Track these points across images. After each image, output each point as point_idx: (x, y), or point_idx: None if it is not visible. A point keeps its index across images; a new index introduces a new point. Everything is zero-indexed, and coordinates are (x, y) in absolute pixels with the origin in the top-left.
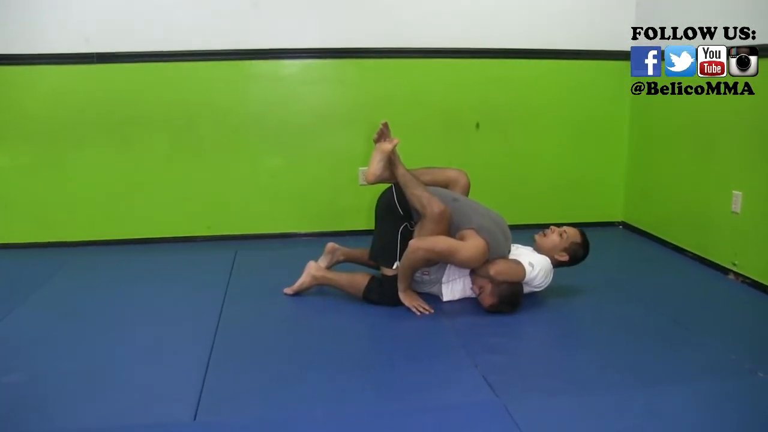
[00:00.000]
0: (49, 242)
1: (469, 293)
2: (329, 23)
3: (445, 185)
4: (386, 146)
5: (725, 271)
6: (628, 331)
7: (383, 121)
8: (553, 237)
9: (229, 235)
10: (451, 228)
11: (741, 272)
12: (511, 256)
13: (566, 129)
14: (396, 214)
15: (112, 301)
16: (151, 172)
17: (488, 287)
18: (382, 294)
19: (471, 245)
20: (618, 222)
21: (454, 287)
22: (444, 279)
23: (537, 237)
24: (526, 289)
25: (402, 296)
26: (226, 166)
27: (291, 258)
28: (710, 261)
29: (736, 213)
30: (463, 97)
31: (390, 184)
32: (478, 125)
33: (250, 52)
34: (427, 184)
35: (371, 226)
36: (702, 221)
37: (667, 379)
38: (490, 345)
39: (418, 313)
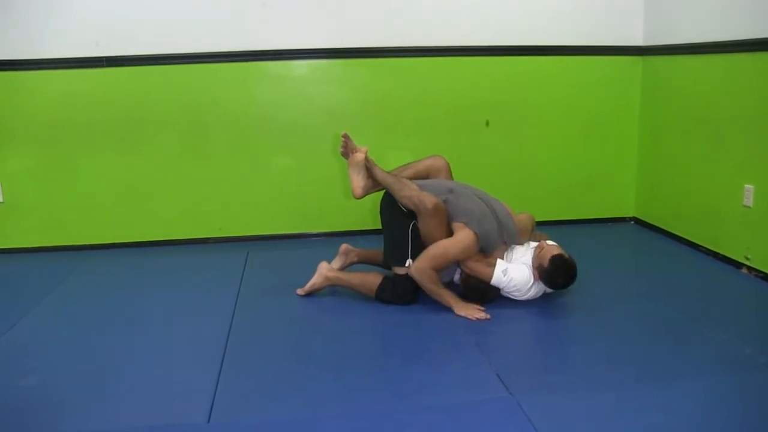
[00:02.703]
0: (60, 246)
1: None
2: (337, 23)
3: (427, 175)
4: (358, 157)
5: (738, 265)
6: (641, 326)
7: (343, 133)
8: (537, 252)
9: (240, 236)
10: (447, 220)
11: (754, 266)
12: (509, 256)
13: (576, 125)
14: (402, 213)
15: (125, 304)
16: (162, 175)
17: (462, 275)
18: (394, 293)
19: (458, 240)
20: (630, 217)
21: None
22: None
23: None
24: (510, 295)
25: (457, 310)
26: (237, 168)
27: (302, 258)
28: (723, 255)
29: (748, 207)
30: (472, 95)
31: None
32: (487, 123)
33: (258, 53)
34: (410, 178)
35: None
36: (714, 215)
37: (682, 375)
38: (503, 342)
39: (474, 319)
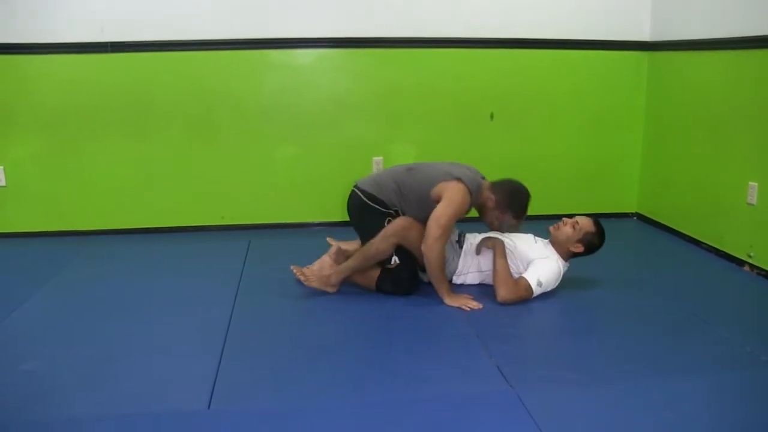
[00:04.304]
0: (64, 231)
1: (479, 281)
2: (344, 13)
3: None
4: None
5: (741, 262)
6: (642, 322)
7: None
8: (566, 229)
9: (242, 225)
10: (426, 197)
11: (756, 264)
12: (522, 254)
13: (581, 119)
14: (375, 212)
15: (127, 290)
16: (166, 162)
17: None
18: (394, 284)
19: (452, 197)
20: (632, 213)
21: (466, 279)
22: (457, 272)
23: (551, 229)
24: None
25: (448, 301)
26: (240, 156)
27: (304, 248)
28: (725, 253)
29: (752, 204)
30: (477, 88)
31: (352, 190)
32: (492, 116)
33: (264, 41)
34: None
35: None
36: (717, 213)
37: (682, 371)
38: (505, 335)
39: (468, 310)
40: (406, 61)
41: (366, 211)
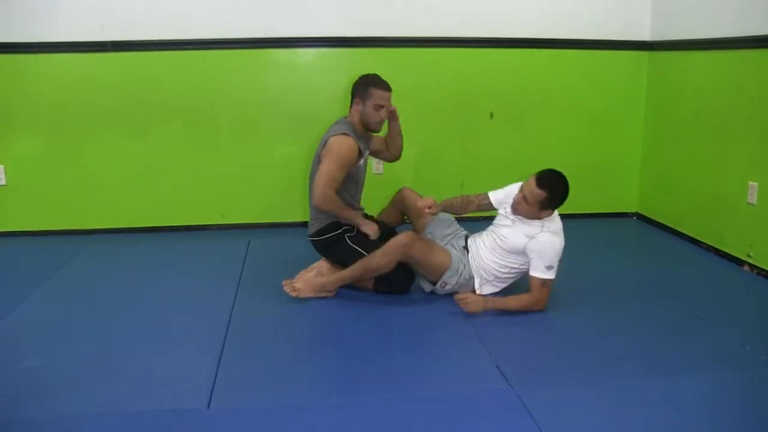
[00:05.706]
0: (64, 229)
1: (502, 287)
2: (344, 12)
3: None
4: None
5: (740, 262)
6: (642, 322)
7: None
8: (522, 207)
9: (243, 224)
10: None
11: (756, 264)
12: (513, 246)
13: (581, 119)
14: (334, 239)
15: (127, 289)
16: (166, 160)
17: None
18: (391, 284)
19: (332, 153)
20: (632, 213)
21: (485, 288)
22: (478, 283)
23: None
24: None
25: (365, 228)
26: (241, 155)
27: (304, 247)
28: (725, 252)
29: (752, 204)
30: (477, 87)
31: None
32: (492, 115)
33: (265, 40)
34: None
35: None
36: (717, 212)
37: (682, 370)
38: (505, 334)
39: (373, 233)
40: (407, 61)
41: (330, 246)
